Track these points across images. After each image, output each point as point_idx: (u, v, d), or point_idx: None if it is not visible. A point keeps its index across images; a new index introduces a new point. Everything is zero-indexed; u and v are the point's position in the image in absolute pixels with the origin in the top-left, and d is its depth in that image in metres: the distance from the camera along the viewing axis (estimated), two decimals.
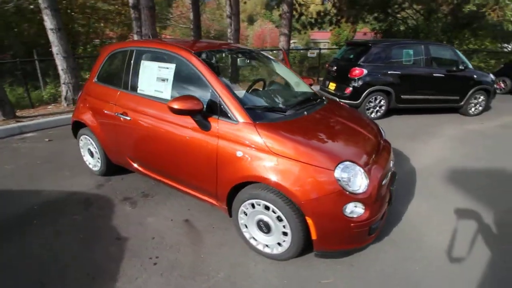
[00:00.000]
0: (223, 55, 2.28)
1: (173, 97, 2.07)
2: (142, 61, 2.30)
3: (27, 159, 3.49)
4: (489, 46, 9.68)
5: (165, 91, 2.13)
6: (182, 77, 2.08)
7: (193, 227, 2.27)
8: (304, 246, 1.76)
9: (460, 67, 5.53)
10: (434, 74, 5.52)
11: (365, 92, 5.31)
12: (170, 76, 2.10)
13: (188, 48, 2.10)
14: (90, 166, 3.09)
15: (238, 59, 2.41)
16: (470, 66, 5.75)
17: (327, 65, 6.89)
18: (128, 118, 2.32)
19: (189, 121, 1.94)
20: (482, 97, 5.84)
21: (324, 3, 10.81)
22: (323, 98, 2.47)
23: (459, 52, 5.82)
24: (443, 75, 5.54)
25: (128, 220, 2.33)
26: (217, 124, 1.85)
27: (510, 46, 11.42)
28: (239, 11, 8.34)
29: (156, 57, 2.26)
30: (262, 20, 48.20)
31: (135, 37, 7.57)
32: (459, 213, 2.52)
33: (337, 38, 36.99)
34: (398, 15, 10.39)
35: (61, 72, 5.72)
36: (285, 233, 1.76)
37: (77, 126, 3.01)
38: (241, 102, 1.84)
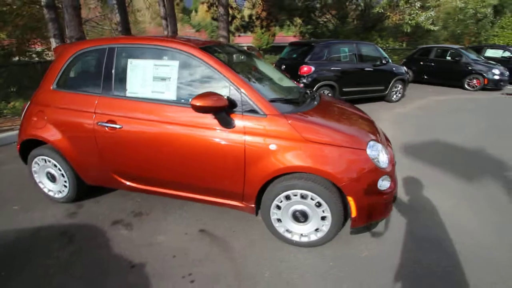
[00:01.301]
0: (221, 50, 2.17)
1: (180, 97, 1.90)
2: (129, 60, 2.00)
3: None
4: (391, 45, 11.77)
5: (168, 91, 1.91)
6: (188, 75, 1.90)
7: (212, 235, 2.11)
8: (342, 226, 1.85)
9: (383, 61, 6.58)
10: (365, 69, 6.42)
11: (315, 87, 5.79)
12: (173, 75, 1.90)
13: (189, 43, 1.94)
14: (51, 193, 2.51)
15: (234, 55, 2.33)
16: (390, 60, 6.90)
17: (273, 65, 7.23)
18: (118, 127, 1.99)
19: (207, 120, 1.80)
20: (400, 85, 7.08)
21: (254, 7, 11.27)
22: (311, 90, 2.62)
23: (380, 49, 6.91)
24: (371, 69, 6.49)
25: (133, 244, 2.00)
26: (242, 119, 1.77)
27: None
28: (174, 12, 7.97)
29: (149, 55, 1.99)
30: (182, 24, 46.86)
31: (53, 41, 6.44)
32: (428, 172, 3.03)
33: (259, 42, 38.93)
34: (320, 20, 11.67)
35: None
36: (323, 218, 1.82)
37: (27, 147, 2.42)
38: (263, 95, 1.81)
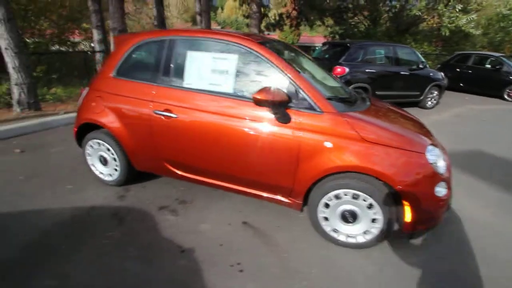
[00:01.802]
0: (277, 46, 2.19)
1: (237, 89, 1.95)
2: (188, 52, 2.07)
3: (4, 176, 2.81)
4: (427, 49, 11.33)
5: (225, 84, 1.96)
6: (246, 69, 1.94)
7: (255, 228, 2.14)
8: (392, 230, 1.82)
9: (420, 66, 6.36)
10: (401, 72, 6.22)
11: None
12: (231, 68, 1.95)
13: (248, 37, 1.97)
14: (101, 176, 2.65)
15: (286, 52, 2.35)
16: (427, 65, 6.64)
17: None
18: (174, 116, 2.06)
19: (264, 114, 1.84)
20: (436, 92, 6.80)
21: (285, 6, 11.23)
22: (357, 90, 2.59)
23: (418, 53, 6.67)
24: (407, 73, 6.29)
25: (180, 230, 2.08)
26: (298, 115, 1.78)
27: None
28: (209, 8, 8.10)
29: (208, 48, 2.05)
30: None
31: (95, 32, 6.75)
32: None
33: (284, 40, 38.71)
34: (351, 21, 11.44)
35: (12, 71, 4.74)
36: (373, 220, 1.80)
37: (83, 130, 2.56)
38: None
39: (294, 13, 11.21)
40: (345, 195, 1.80)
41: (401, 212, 1.73)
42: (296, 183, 1.89)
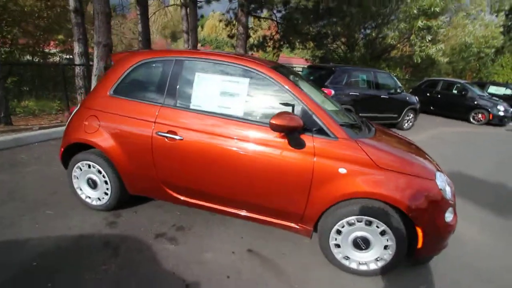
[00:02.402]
0: (285, 71, 2.20)
1: (247, 113, 1.91)
2: (196, 73, 2.02)
3: None
4: (398, 74, 12.19)
5: (236, 107, 1.92)
6: (257, 93, 1.92)
7: (262, 256, 2.04)
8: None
9: (398, 90, 6.78)
10: (381, 96, 6.59)
11: None
12: (242, 92, 1.92)
13: (260, 61, 1.97)
14: (88, 200, 2.43)
15: (291, 76, 2.37)
16: (403, 89, 7.10)
17: None
18: (179, 138, 1.97)
19: (276, 138, 1.80)
20: (412, 114, 7.25)
21: (270, 28, 11.66)
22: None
23: (395, 78, 7.14)
24: (387, 97, 6.66)
25: (182, 261, 1.92)
26: (313, 141, 1.77)
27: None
28: (196, 26, 8.16)
29: (218, 70, 2.02)
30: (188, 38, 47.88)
31: (76, 45, 6.48)
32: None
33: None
34: (330, 46, 12.11)
35: None
36: (386, 247, 1.79)
37: (69, 151, 2.36)
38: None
39: (277, 36, 11.62)
40: (358, 221, 1.78)
41: (413, 238, 1.74)
42: (308, 209, 1.84)
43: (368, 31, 12.40)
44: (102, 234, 2.15)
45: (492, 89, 10.40)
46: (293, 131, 1.71)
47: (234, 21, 10.92)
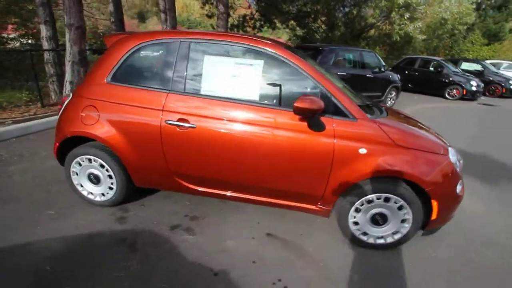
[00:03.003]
0: (299, 52, 2.12)
1: (263, 97, 1.85)
2: (205, 56, 1.90)
3: None
4: (378, 53, 12.41)
5: (251, 91, 1.85)
6: (273, 75, 1.85)
7: (281, 239, 2.06)
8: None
9: (382, 69, 6.92)
10: (366, 75, 6.70)
11: None
12: (257, 75, 1.84)
13: (274, 42, 1.89)
14: (91, 196, 2.29)
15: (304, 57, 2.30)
16: (386, 68, 7.26)
17: None
18: (192, 126, 1.87)
19: (295, 122, 1.77)
20: (394, 92, 7.49)
21: (250, 7, 11.22)
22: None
23: (379, 57, 7.25)
24: (372, 76, 6.79)
25: (205, 250, 1.90)
26: (332, 123, 1.76)
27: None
28: (174, 6, 7.67)
29: (230, 52, 1.90)
30: (158, 18, 45.21)
31: (43, 28, 5.86)
32: None
33: None
34: (311, 25, 11.97)
35: None
36: (403, 221, 1.87)
37: (65, 146, 2.19)
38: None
39: (257, 15, 11.27)
40: (378, 199, 1.83)
41: (429, 211, 1.83)
42: (328, 190, 1.86)
43: (347, 10, 12.36)
44: (114, 230, 2.05)
45: (465, 66, 10.93)
46: (315, 114, 1.69)
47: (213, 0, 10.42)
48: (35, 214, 2.19)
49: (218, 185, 2.06)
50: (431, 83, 9.72)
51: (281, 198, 2.01)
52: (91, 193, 2.29)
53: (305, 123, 1.76)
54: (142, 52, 2.02)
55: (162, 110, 1.91)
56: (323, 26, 12.32)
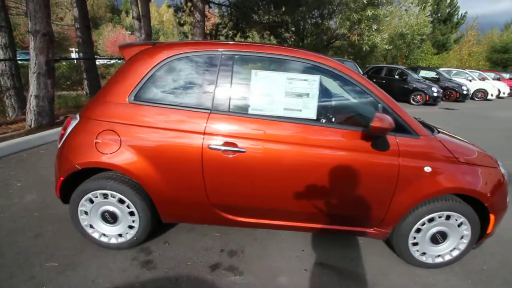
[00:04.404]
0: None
1: (321, 115, 1.71)
2: (253, 71, 1.68)
3: None
4: None
5: (307, 109, 1.67)
6: (329, 92, 1.71)
7: (334, 267, 1.89)
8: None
9: None
10: None
11: None
12: (313, 91, 1.67)
13: (328, 58, 1.74)
14: (104, 239, 1.90)
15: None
16: None
17: None
18: (240, 150, 1.63)
19: (358, 142, 1.64)
20: None
21: (223, 16, 11.03)
22: None
23: (358, 67, 7.58)
24: None
25: None
26: (396, 141, 1.66)
27: None
28: (149, 12, 7.18)
29: (280, 67, 1.72)
30: (114, 25, 42.64)
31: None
32: None
33: None
34: (284, 36, 12.23)
35: None
36: (462, 237, 1.83)
37: (68, 181, 1.79)
38: None
39: (231, 24, 11.17)
40: (439, 217, 1.77)
41: (485, 225, 1.81)
42: (390, 212, 1.75)
43: (314, 21, 12.87)
44: (143, 280, 1.70)
45: (423, 73, 12.00)
46: (386, 132, 1.57)
47: (185, 7, 10.07)
48: (32, 269, 1.73)
49: (266, 214, 1.83)
50: (397, 90, 10.45)
51: (335, 224, 1.85)
52: (105, 234, 1.90)
53: (369, 143, 1.64)
54: (172, 66, 1.72)
55: (204, 133, 1.65)
56: (293, 36, 12.66)
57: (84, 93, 7.45)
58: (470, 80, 12.40)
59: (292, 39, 12.78)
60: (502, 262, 2.05)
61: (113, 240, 1.90)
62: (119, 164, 1.68)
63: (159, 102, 1.71)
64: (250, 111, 1.68)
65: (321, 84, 1.71)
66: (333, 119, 1.72)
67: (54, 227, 2.14)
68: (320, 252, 2.03)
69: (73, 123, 1.80)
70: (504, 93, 13.10)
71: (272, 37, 11.42)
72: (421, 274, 1.88)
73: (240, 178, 1.69)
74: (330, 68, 1.68)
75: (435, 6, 15.76)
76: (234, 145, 1.64)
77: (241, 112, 1.68)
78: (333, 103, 1.76)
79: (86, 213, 1.84)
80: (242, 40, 12.56)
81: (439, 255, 1.88)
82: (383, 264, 1.95)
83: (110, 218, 1.85)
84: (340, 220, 1.83)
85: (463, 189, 1.69)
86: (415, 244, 1.85)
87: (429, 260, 1.89)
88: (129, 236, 1.89)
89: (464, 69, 12.80)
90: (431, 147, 1.68)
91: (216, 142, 1.64)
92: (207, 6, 9.23)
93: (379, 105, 1.68)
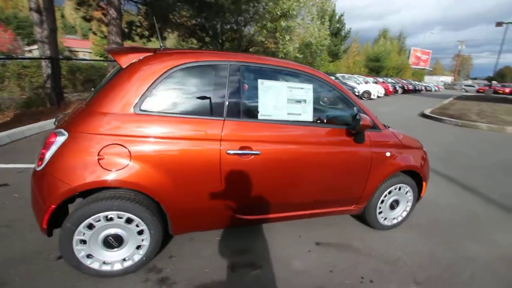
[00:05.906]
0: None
1: (315, 117, 2.02)
2: (259, 81, 1.84)
3: None
4: None
5: (305, 113, 1.95)
6: (320, 97, 2.05)
7: (330, 244, 2.25)
8: None
9: None
10: None
11: None
12: (309, 97, 1.96)
13: (315, 70, 2.08)
14: (106, 267, 1.69)
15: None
16: None
17: None
18: (256, 153, 1.78)
19: (345, 138, 2.03)
20: None
21: (139, 14, 10.06)
22: None
23: None
24: None
25: (282, 280, 1.83)
26: (368, 135, 2.13)
27: None
28: (53, 6, 6.00)
29: (280, 77, 1.93)
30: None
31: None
32: None
33: (101, 48, 34.20)
34: (205, 39, 12.22)
35: None
36: (408, 201, 2.49)
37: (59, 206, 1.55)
38: None
39: (146, 23, 10.44)
40: (395, 189, 2.36)
41: (419, 190, 2.53)
42: (365, 191, 2.22)
43: (235, 27, 13.39)
44: None
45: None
46: (366, 129, 2.01)
47: (91, 1, 8.81)
48: None
49: (275, 209, 2.02)
50: None
51: (329, 207, 2.21)
52: (106, 262, 1.69)
53: (351, 138, 2.06)
54: (181, 75, 1.70)
55: (221, 140, 1.71)
56: (213, 40, 12.83)
57: None
58: (358, 84, 15.44)
59: (213, 43, 12.93)
60: (429, 218, 2.84)
61: (117, 267, 1.71)
62: (131, 180, 1.56)
63: (169, 111, 1.66)
64: (259, 117, 1.84)
65: (319, 90, 2.04)
66: (325, 120, 2.07)
67: (41, 263, 1.73)
68: (313, 234, 2.36)
69: (60, 140, 1.54)
70: (381, 94, 16.88)
71: (191, 39, 11.26)
72: (385, 235, 2.45)
73: (257, 178, 1.83)
74: (319, 78, 2.03)
75: (328, 22, 18.98)
76: (250, 148, 1.77)
77: (252, 118, 1.82)
78: (321, 107, 2.12)
79: (83, 242, 1.60)
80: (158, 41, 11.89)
81: (394, 218, 2.50)
82: (363, 231, 2.45)
83: (114, 242, 1.66)
84: (331, 204, 2.21)
85: (409, 166, 2.32)
86: (380, 212, 2.41)
87: (389, 223, 2.48)
88: (137, 258, 1.74)
89: (353, 75, 15.95)
90: (388, 137, 2.25)
91: (233, 147, 1.73)
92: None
93: (355, 107, 2.12)
